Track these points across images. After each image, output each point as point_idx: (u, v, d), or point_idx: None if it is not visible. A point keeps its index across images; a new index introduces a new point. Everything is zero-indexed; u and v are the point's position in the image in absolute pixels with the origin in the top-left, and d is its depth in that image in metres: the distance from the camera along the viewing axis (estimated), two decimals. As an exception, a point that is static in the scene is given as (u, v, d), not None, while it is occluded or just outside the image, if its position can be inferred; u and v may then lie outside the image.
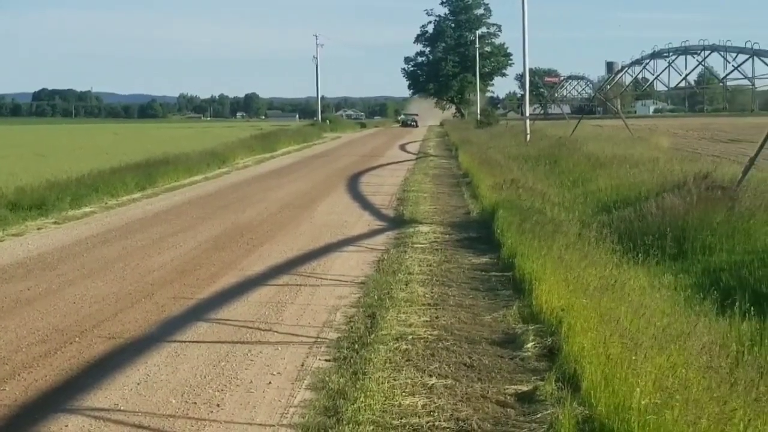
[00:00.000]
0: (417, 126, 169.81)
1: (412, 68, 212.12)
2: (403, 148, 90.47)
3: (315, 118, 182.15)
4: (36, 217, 33.56)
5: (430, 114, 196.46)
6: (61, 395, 13.24)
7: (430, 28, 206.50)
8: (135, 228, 32.00)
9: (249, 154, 74.49)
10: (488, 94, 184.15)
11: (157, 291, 20.69)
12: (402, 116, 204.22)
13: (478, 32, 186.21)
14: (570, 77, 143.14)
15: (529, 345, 15.08)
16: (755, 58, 48.58)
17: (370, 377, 13.33)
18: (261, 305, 19.18)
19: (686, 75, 66.80)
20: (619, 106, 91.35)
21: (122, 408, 12.57)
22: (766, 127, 34.29)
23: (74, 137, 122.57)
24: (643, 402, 10.06)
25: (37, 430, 11.85)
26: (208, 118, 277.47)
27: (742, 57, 50.15)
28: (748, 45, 47.50)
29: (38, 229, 31.59)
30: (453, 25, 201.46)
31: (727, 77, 57.32)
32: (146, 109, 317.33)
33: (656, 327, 13.77)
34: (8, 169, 52.69)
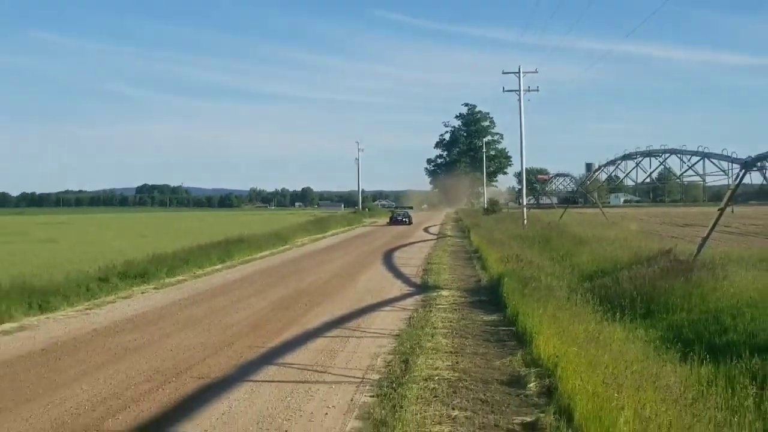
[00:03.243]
0: (410, 223, 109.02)
1: (432, 168, 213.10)
2: (426, 230, 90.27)
3: (356, 207, 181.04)
4: (140, 283, 33.67)
5: (446, 204, 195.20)
6: (162, 423, 13.18)
7: (447, 136, 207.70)
8: (217, 292, 32.02)
9: (305, 235, 74.64)
10: (492, 188, 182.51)
11: (235, 341, 20.66)
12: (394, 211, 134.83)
13: (485, 140, 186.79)
14: (557, 175, 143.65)
15: (531, 385, 14.97)
16: (705, 160, 48.69)
17: (405, 410, 13.23)
18: (318, 352, 19.10)
19: (650, 173, 66.84)
20: (596, 198, 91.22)
21: (210, 434, 12.51)
22: (714, 215, 34.17)
23: (168, 222, 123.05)
24: (625, 430, 9.93)
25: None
26: (273, 207, 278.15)
27: (695, 158, 50.31)
28: (700, 149, 47.73)
29: (142, 293, 31.65)
30: (465, 134, 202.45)
31: (683, 175, 57.32)
32: (224, 200, 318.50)
33: (633, 371, 13.64)
34: (118, 247, 52.91)
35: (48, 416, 13.64)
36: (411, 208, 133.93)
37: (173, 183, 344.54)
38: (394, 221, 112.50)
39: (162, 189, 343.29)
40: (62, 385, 15.94)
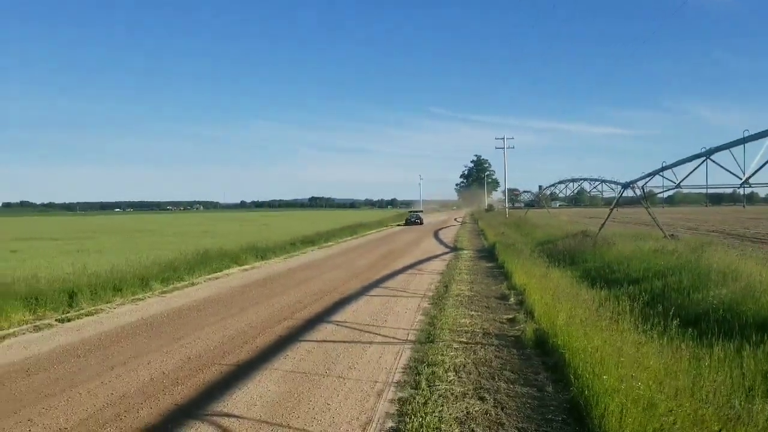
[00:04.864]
0: (422, 223, 71.72)
1: (458, 188, 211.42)
2: (455, 220, 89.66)
3: (420, 209, 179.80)
4: (310, 246, 33.99)
5: (465, 207, 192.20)
6: (322, 315, 13.32)
7: (466, 172, 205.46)
8: (350, 250, 32.13)
9: (393, 222, 74.70)
10: (489, 198, 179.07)
11: (359, 275, 20.71)
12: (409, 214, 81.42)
13: (486, 174, 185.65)
14: (524, 191, 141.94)
15: (512, 299, 14.81)
16: (603, 184, 47.27)
17: (446, 311, 13.20)
18: (400, 281, 19.06)
19: (574, 190, 65.76)
20: (545, 203, 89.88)
21: (348, 321, 12.60)
22: (606, 213, 33.59)
23: (326, 216, 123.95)
24: (561, 322, 9.81)
25: (312, 328, 11.95)
26: (377, 208, 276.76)
27: (597, 182, 48.90)
28: (600, 176, 46.49)
29: (311, 251, 31.90)
30: (475, 170, 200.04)
31: (591, 191, 56.08)
32: (353, 205, 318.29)
33: (565, 292, 13.45)
34: (298, 228, 53.44)
35: (266, 312, 13.90)
36: (421, 211, 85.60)
37: (328, 195, 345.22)
38: (408, 223, 71.19)
39: (322, 199, 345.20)
40: (272, 296, 16.22)
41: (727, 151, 18.60)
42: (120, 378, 8.70)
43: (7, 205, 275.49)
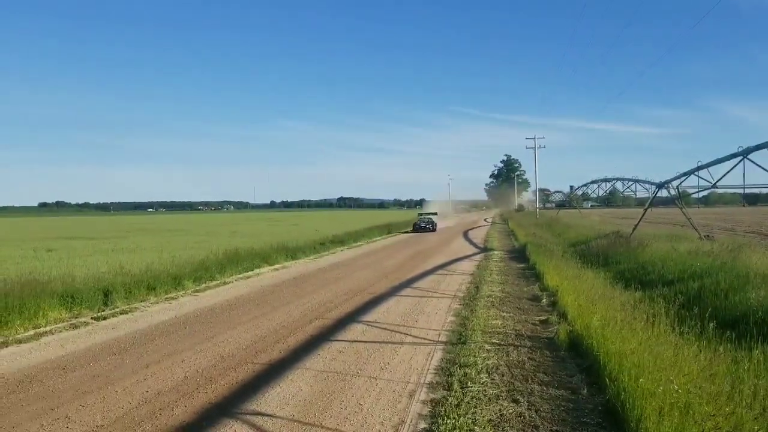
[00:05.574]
0: (434, 229, 53.73)
1: (487, 188, 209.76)
2: (485, 220, 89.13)
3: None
4: (339, 246, 34.06)
5: (495, 207, 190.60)
6: (354, 314, 13.30)
7: (496, 171, 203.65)
8: (378, 250, 32.09)
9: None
10: (519, 198, 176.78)
11: (388, 275, 20.65)
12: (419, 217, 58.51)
13: (516, 174, 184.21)
14: (555, 191, 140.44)
15: (544, 300, 14.65)
16: (636, 184, 46.56)
17: (477, 312, 13.11)
18: (430, 282, 18.96)
19: (606, 190, 64.89)
20: (575, 203, 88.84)
21: (378, 321, 12.57)
22: (640, 213, 33.02)
23: (355, 216, 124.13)
24: (595, 323, 9.66)
25: (343, 327, 11.95)
26: (405, 209, 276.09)
27: (630, 182, 48.22)
28: (634, 176, 45.77)
29: (340, 251, 31.95)
30: (505, 170, 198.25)
31: (624, 191, 55.21)
32: (381, 205, 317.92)
33: (598, 293, 13.25)
34: (328, 228, 53.59)
35: (297, 311, 13.94)
36: (435, 213, 64.16)
37: (357, 195, 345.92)
38: (417, 229, 54.48)
39: (350, 199, 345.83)
40: (303, 296, 16.27)
41: (765, 150, 18.20)
42: (155, 376, 8.80)
43: (44, 205, 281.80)
